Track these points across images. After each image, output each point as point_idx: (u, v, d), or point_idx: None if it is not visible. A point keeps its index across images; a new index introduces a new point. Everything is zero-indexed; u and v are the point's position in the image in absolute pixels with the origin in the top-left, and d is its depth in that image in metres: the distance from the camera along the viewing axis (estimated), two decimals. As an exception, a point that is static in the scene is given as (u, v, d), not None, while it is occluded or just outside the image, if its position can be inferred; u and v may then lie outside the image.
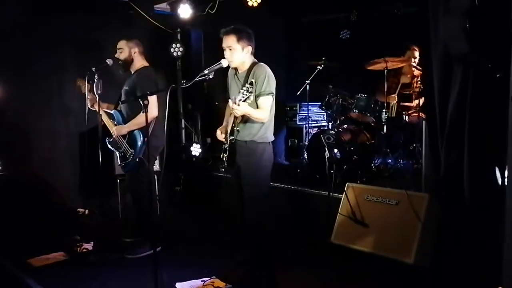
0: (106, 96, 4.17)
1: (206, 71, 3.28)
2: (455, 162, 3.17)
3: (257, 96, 3.27)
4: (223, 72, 3.59)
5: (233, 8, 5.49)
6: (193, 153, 5.92)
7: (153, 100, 3.84)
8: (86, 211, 5.08)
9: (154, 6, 5.86)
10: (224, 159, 3.49)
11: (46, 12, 5.02)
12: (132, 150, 3.99)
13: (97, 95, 3.95)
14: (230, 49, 3.33)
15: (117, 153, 4.15)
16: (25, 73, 4.96)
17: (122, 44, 4.13)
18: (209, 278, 3.46)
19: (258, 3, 5.28)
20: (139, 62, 4.16)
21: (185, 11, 5.56)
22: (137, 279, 3.52)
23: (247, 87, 3.04)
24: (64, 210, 4.73)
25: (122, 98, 4.12)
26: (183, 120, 6.15)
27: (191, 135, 6.25)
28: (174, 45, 5.82)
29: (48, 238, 4.26)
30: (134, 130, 3.98)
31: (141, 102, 3.08)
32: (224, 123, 3.60)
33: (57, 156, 5.28)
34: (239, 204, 3.51)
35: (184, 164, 5.87)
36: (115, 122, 4.12)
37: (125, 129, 4.01)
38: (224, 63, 3.33)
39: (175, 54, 5.83)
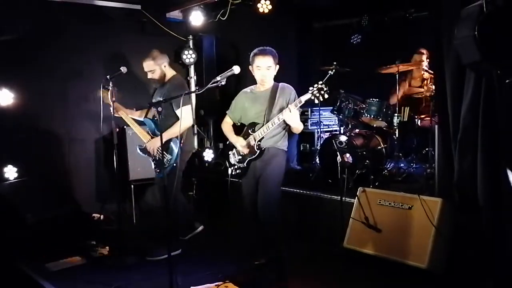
0: (131, 103, 4.30)
1: (218, 78, 3.34)
2: (468, 166, 3.17)
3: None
4: (236, 79, 3.66)
5: (245, 14, 5.55)
6: (205, 158, 5.97)
7: (188, 110, 4.04)
8: (102, 216, 5.14)
9: (167, 13, 5.94)
10: (239, 170, 3.61)
11: (60, 21, 5.13)
12: (170, 156, 4.09)
13: (112, 102, 4.02)
14: (269, 69, 3.55)
15: (151, 159, 4.22)
16: (41, 80, 5.06)
17: (151, 65, 4.18)
18: (222, 282, 3.49)
19: (270, 9, 5.32)
20: (169, 72, 4.30)
21: (197, 18, 5.63)
22: (152, 283, 3.57)
23: (315, 89, 3.26)
24: (80, 215, 4.79)
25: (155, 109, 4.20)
26: (195, 126, 6.22)
27: (204, 140, 6.31)
28: (186, 52, 5.89)
29: (65, 243, 4.33)
30: (172, 138, 4.06)
31: (159, 109, 3.24)
32: (235, 136, 3.73)
33: (73, 162, 5.36)
34: (254, 210, 3.60)
35: (197, 169, 5.92)
36: (148, 130, 4.23)
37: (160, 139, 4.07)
38: (236, 69, 3.36)
39: (187, 60, 5.90)
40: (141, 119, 4.32)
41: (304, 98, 3.32)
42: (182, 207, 4.45)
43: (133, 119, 4.31)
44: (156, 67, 4.18)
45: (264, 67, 3.56)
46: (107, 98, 4.20)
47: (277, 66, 3.62)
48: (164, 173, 3.83)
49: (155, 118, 4.22)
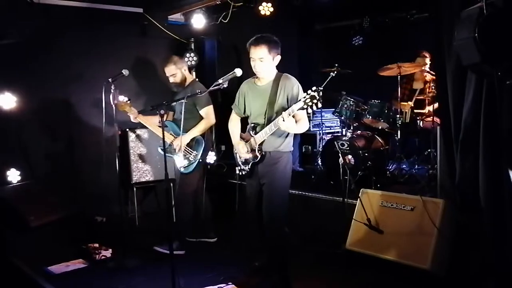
0: (134, 106, 4.43)
1: (220, 80, 3.34)
2: (470, 167, 3.17)
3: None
4: (237, 81, 3.63)
5: (246, 17, 5.56)
6: (208, 160, 5.97)
7: (211, 109, 4.31)
8: (104, 219, 5.15)
9: (168, 16, 5.96)
10: (244, 172, 3.54)
11: (62, 25, 5.14)
12: (196, 152, 4.24)
13: (114, 105, 4.04)
14: (262, 61, 3.29)
15: (174, 157, 4.32)
16: (43, 83, 5.08)
17: (172, 69, 4.33)
18: (225, 284, 3.50)
19: (271, 12, 5.33)
20: (189, 75, 4.49)
21: (198, 21, 5.65)
22: (155, 285, 3.58)
23: (308, 98, 3.00)
24: (82, 218, 4.81)
25: (177, 112, 4.39)
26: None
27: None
28: (188, 55, 5.91)
29: (68, 245, 4.34)
30: (197, 135, 4.26)
31: (162, 112, 3.31)
32: (237, 140, 3.59)
33: (76, 165, 5.37)
34: (257, 212, 3.53)
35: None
36: (171, 132, 4.36)
37: (188, 137, 4.25)
38: (238, 72, 3.36)
39: (189, 63, 5.91)
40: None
41: (297, 106, 3.07)
42: (204, 207, 4.58)
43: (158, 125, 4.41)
44: (178, 71, 4.34)
45: (256, 59, 3.29)
46: (123, 108, 4.32)
47: (277, 57, 3.34)
48: (195, 166, 4.18)
49: (175, 120, 4.39)
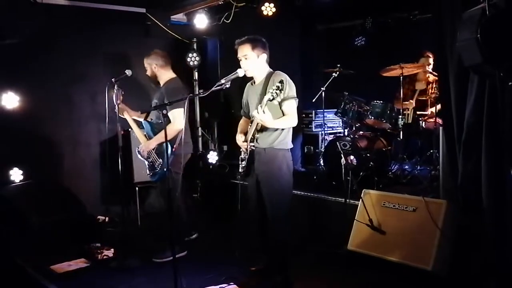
0: (135, 106, 4.40)
1: (222, 81, 3.34)
2: (472, 168, 3.17)
3: (281, 102, 3.27)
4: (240, 82, 3.64)
5: (249, 17, 5.57)
6: (210, 160, 5.99)
7: (179, 112, 3.95)
8: (106, 219, 5.16)
9: (171, 16, 5.98)
10: (241, 169, 3.52)
11: (65, 25, 5.16)
12: (161, 160, 4.08)
13: (116, 105, 4.05)
14: (246, 58, 3.38)
15: (146, 162, 4.24)
16: (46, 83, 5.10)
17: (144, 62, 4.29)
18: (227, 285, 3.50)
19: (273, 12, 5.33)
20: (164, 74, 4.25)
21: (201, 21, 5.66)
22: (157, 285, 3.58)
23: (274, 89, 3.02)
24: (84, 218, 4.81)
25: (152, 113, 4.26)
26: (200, 128, 6.25)
27: (208, 143, 6.33)
28: (190, 55, 5.92)
29: (70, 245, 4.35)
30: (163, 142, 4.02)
31: (164, 112, 3.24)
32: (237, 135, 3.59)
33: (78, 165, 5.39)
34: (257, 212, 3.52)
35: (201, 172, 5.94)
36: (145, 133, 4.25)
37: (153, 143, 4.11)
38: (240, 72, 3.37)
39: (191, 63, 5.93)
40: (141, 119, 4.34)
41: (266, 98, 3.09)
42: (177, 211, 4.33)
43: (134, 120, 4.33)
44: (147, 66, 4.26)
45: (241, 57, 3.40)
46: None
47: (262, 55, 3.39)
48: (162, 175, 3.90)
49: (152, 120, 4.25)
